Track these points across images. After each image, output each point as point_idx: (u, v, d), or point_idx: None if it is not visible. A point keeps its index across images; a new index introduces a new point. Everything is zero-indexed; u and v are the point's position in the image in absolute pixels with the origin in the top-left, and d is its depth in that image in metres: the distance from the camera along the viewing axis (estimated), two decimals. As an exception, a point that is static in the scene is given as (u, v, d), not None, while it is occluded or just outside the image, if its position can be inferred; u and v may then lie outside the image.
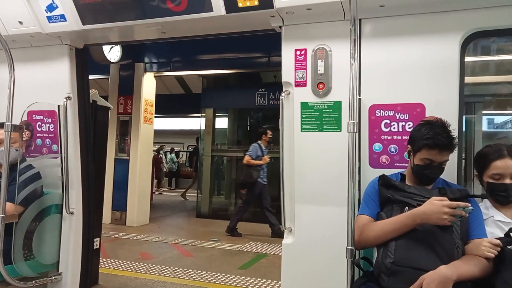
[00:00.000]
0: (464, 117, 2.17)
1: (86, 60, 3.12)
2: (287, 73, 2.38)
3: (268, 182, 6.33)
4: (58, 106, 2.91)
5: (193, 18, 2.40)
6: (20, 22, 2.75)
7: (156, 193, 12.54)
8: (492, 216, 1.81)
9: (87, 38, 2.95)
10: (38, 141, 3.05)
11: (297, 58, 2.35)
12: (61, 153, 2.93)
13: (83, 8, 2.57)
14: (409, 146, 1.89)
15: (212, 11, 2.32)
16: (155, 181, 12.81)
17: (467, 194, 1.77)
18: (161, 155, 14.04)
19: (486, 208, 1.85)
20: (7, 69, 2.42)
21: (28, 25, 2.75)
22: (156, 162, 12.16)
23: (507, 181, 1.76)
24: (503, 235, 1.68)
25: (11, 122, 2.43)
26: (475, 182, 1.98)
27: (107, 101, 3.85)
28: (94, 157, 3.21)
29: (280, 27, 2.40)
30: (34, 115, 3.04)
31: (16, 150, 2.69)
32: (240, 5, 2.26)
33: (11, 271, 2.56)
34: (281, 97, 2.37)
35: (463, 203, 1.60)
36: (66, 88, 2.92)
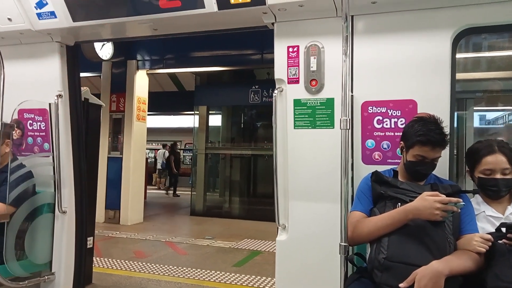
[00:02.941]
0: (455, 113, 2.18)
1: (77, 57, 3.08)
2: (280, 70, 2.37)
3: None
4: (50, 104, 2.88)
5: (185, 15, 2.38)
6: (9, 19, 2.71)
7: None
8: (484, 211, 1.83)
9: (78, 35, 2.92)
10: (29, 139, 3.01)
11: (290, 55, 2.35)
12: (52, 151, 2.90)
13: (74, 4, 2.54)
14: (402, 142, 1.89)
15: (204, 7, 2.31)
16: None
17: (459, 189, 1.79)
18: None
19: (478, 203, 1.87)
20: None
21: (18, 22, 2.71)
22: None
23: (498, 176, 1.78)
24: (494, 230, 1.70)
25: (1, 120, 2.41)
26: (467, 178, 2.00)
27: (100, 99, 3.82)
28: (87, 155, 3.19)
29: (273, 23, 2.40)
30: (25, 114, 3.00)
31: None
32: (232, 1, 2.25)
33: (3, 271, 2.54)
34: (274, 94, 2.37)
35: (454, 199, 1.61)
36: (57, 86, 2.89)
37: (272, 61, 2.41)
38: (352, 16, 2.21)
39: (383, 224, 1.69)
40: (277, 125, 2.37)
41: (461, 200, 1.63)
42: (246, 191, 8.89)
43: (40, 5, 2.62)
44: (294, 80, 2.35)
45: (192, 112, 8.98)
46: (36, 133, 3.00)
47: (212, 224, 7.28)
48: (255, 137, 9.13)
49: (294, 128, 2.35)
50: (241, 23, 2.54)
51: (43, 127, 2.96)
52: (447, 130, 1.79)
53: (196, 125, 8.77)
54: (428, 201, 1.61)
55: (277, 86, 2.39)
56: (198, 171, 8.62)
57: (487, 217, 1.80)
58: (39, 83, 2.94)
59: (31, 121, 3.00)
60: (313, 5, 2.18)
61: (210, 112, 9.04)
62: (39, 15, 2.66)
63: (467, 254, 1.61)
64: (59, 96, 2.86)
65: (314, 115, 2.31)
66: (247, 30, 2.62)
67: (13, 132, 2.86)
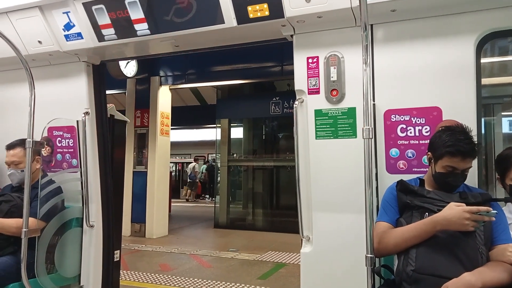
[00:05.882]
0: (482, 119, 2.12)
1: (103, 75, 3.18)
2: (300, 81, 2.38)
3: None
4: (77, 121, 2.98)
5: (206, 31, 2.43)
6: (39, 42, 2.84)
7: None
8: (517, 220, 1.76)
9: (104, 54, 3.02)
10: (59, 156, 3.11)
11: (310, 66, 2.35)
12: (80, 167, 2.99)
13: (99, 25, 2.64)
14: (429, 153, 1.84)
15: (223, 23, 2.35)
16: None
17: (489, 198, 1.72)
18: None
19: (510, 212, 1.80)
20: (28, 87, 2.50)
21: (47, 44, 2.83)
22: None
23: (531, 183, 1.71)
24: (529, 240, 1.63)
25: (32, 138, 2.50)
26: (497, 186, 1.93)
27: (124, 115, 3.92)
28: (113, 170, 3.26)
29: (292, 35, 2.41)
30: (54, 131, 3.11)
31: (22, 171, 2.72)
32: (251, 16, 2.28)
33: (34, 285, 2.60)
34: (294, 105, 2.37)
35: (484, 208, 1.56)
36: (84, 103, 2.99)
37: (292, 73, 2.42)
38: (372, 25, 2.20)
39: (410, 235, 1.65)
40: (298, 136, 2.36)
41: (491, 208, 1.57)
42: (269, 203, 8.86)
43: (67, 27, 2.74)
44: (314, 91, 2.34)
45: (214, 125, 9.09)
46: (65, 150, 3.10)
47: (236, 236, 7.28)
48: (277, 149, 9.13)
49: (316, 138, 2.33)
50: (260, 36, 2.57)
51: (72, 143, 3.06)
52: (476, 138, 1.74)
53: (218, 137, 8.85)
54: (456, 211, 1.56)
55: (297, 97, 2.39)
56: (221, 183, 8.67)
57: (521, 227, 1.73)
58: (67, 101, 3.05)
59: (60, 138, 3.11)
60: (332, 15, 2.18)
61: (231, 124, 9.11)
62: (66, 37, 2.77)
63: (501, 266, 1.55)
64: (86, 113, 2.96)
65: (335, 125, 2.29)
66: (267, 43, 2.65)
67: (43, 149, 2.97)
